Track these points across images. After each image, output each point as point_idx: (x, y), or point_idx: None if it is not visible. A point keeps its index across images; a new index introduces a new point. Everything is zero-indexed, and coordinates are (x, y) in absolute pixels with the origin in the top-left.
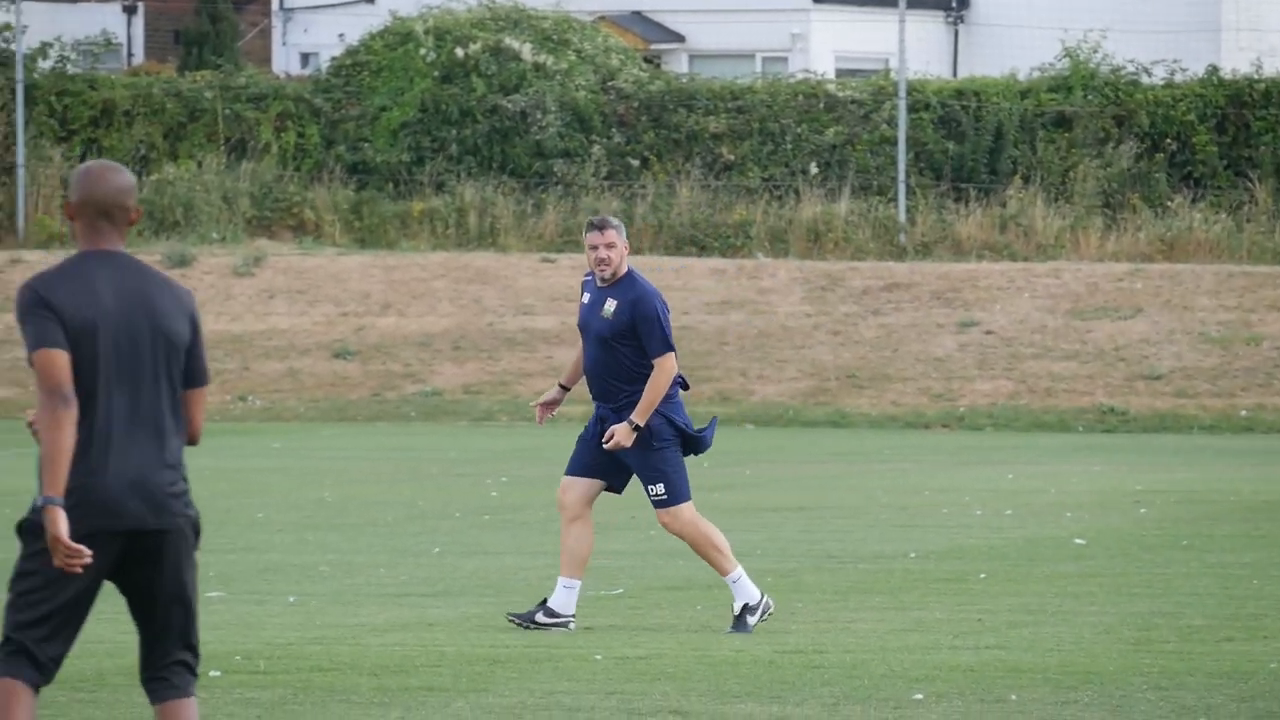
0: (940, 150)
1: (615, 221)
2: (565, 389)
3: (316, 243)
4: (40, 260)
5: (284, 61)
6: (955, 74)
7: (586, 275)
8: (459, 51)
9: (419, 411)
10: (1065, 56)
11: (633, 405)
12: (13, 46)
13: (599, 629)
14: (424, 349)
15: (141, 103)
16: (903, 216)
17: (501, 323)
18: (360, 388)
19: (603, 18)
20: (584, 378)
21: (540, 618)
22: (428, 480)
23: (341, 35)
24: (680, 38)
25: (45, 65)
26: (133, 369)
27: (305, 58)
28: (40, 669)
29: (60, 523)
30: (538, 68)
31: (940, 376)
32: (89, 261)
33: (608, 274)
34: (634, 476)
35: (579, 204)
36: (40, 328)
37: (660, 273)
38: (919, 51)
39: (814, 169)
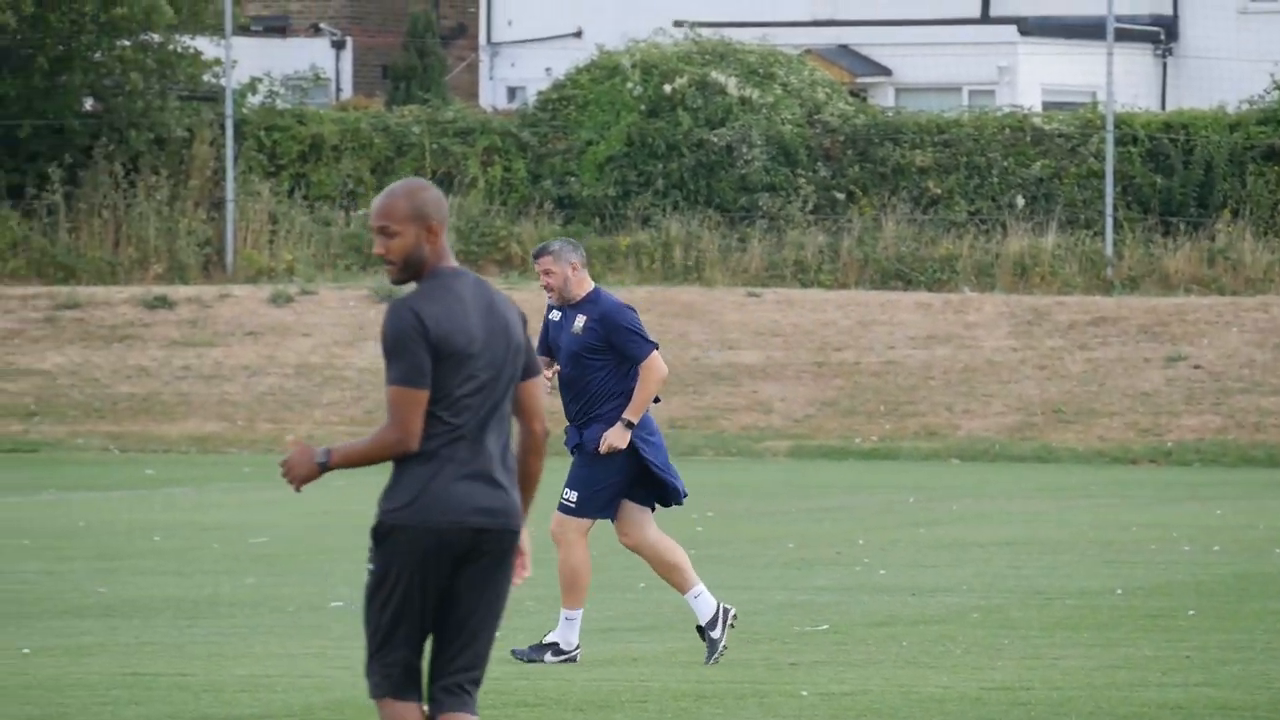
0: (1148, 183)
1: (555, 246)
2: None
3: (523, 277)
4: (248, 294)
5: (491, 96)
6: (1163, 106)
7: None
8: (665, 86)
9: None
10: (1275, 89)
11: (605, 422)
12: (223, 82)
13: (804, 664)
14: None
15: (349, 138)
16: (1110, 250)
17: (706, 357)
18: (566, 422)
19: (809, 51)
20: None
21: (549, 658)
22: None
23: (548, 69)
24: (887, 71)
25: (254, 100)
26: (493, 381)
27: (512, 92)
28: (410, 676)
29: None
30: (744, 101)
31: (1147, 411)
32: (448, 280)
33: (554, 299)
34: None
35: (784, 238)
36: (411, 362)
37: (865, 308)
38: (1126, 84)
39: (1020, 202)
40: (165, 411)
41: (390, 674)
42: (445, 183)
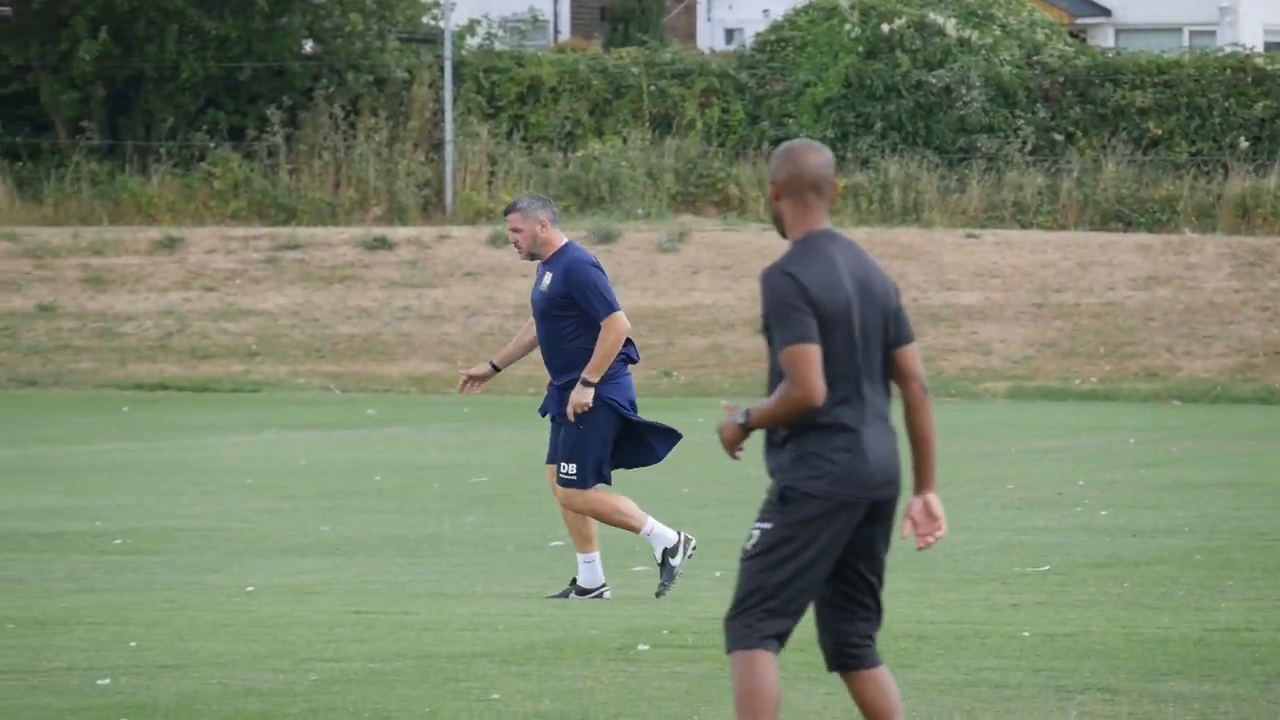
0: None
1: (523, 203)
2: (495, 368)
3: (740, 218)
4: (467, 235)
5: (708, 38)
6: None
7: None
8: (884, 27)
9: None
10: None
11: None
12: (441, 24)
13: (1025, 605)
14: None
15: (568, 79)
16: None
17: (925, 298)
18: None
19: None
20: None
21: (573, 596)
22: None
23: (766, 11)
24: (1107, 12)
25: (473, 43)
26: (870, 347)
27: (730, 34)
28: (781, 639)
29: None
30: (962, 43)
31: None
32: (822, 242)
33: (522, 255)
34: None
35: (1003, 179)
36: (798, 322)
37: (1084, 249)
38: None
39: (1243, 143)
40: (385, 352)
41: (766, 629)
42: (663, 124)
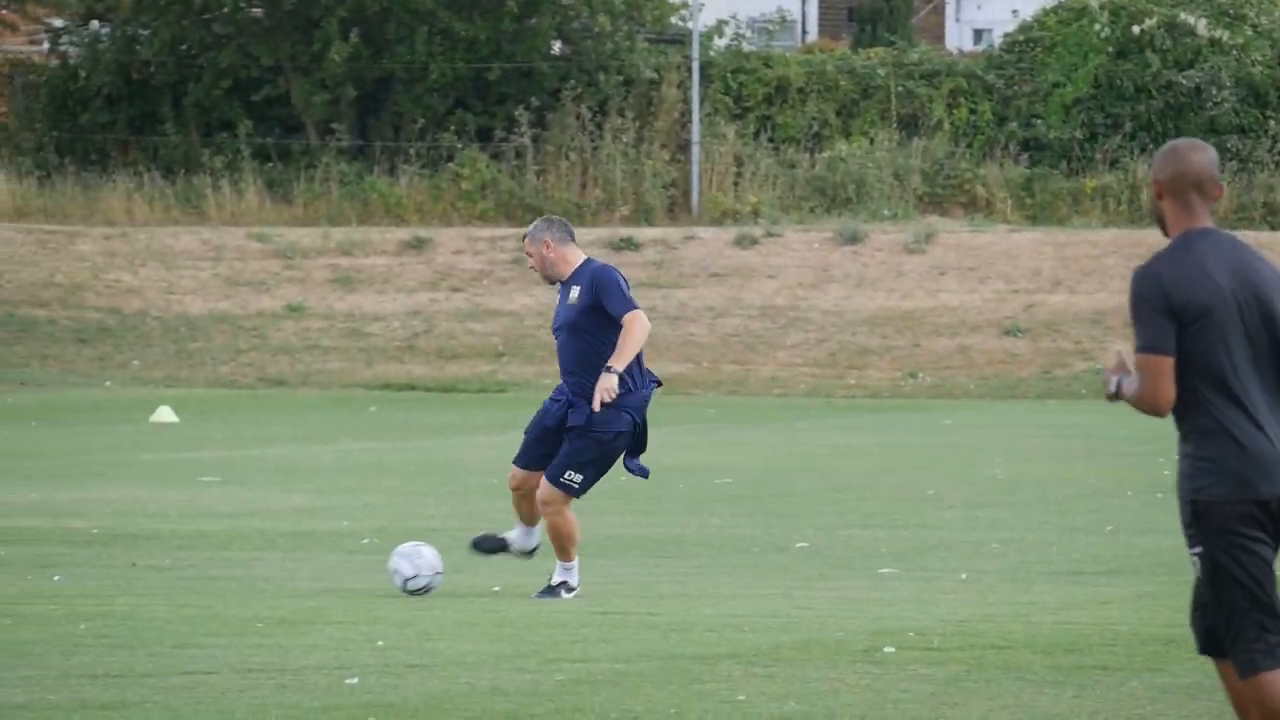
0: None
1: (531, 229)
2: None
3: (987, 219)
4: (713, 236)
5: (956, 38)
6: None
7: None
8: (1134, 27)
9: (1089, 389)
10: None
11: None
12: (690, 24)
13: None
14: (1095, 326)
15: (815, 80)
16: None
17: None
18: (1030, 364)
19: None
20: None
21: (564, 594)
22: (1098, 458)
23: (1015, 11)
24: None
25: (720, 43)
26: (1257, 342)
27: (978, 34)
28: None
29: None
30: (1213, 43)
31: None
32: (1195, 241)
33: (544, 278)
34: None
35: (1254, 180)
36: (1153, 328)
37: None
38: None
39: None
40: None
41: (1256, 649)
42: (910, 125)
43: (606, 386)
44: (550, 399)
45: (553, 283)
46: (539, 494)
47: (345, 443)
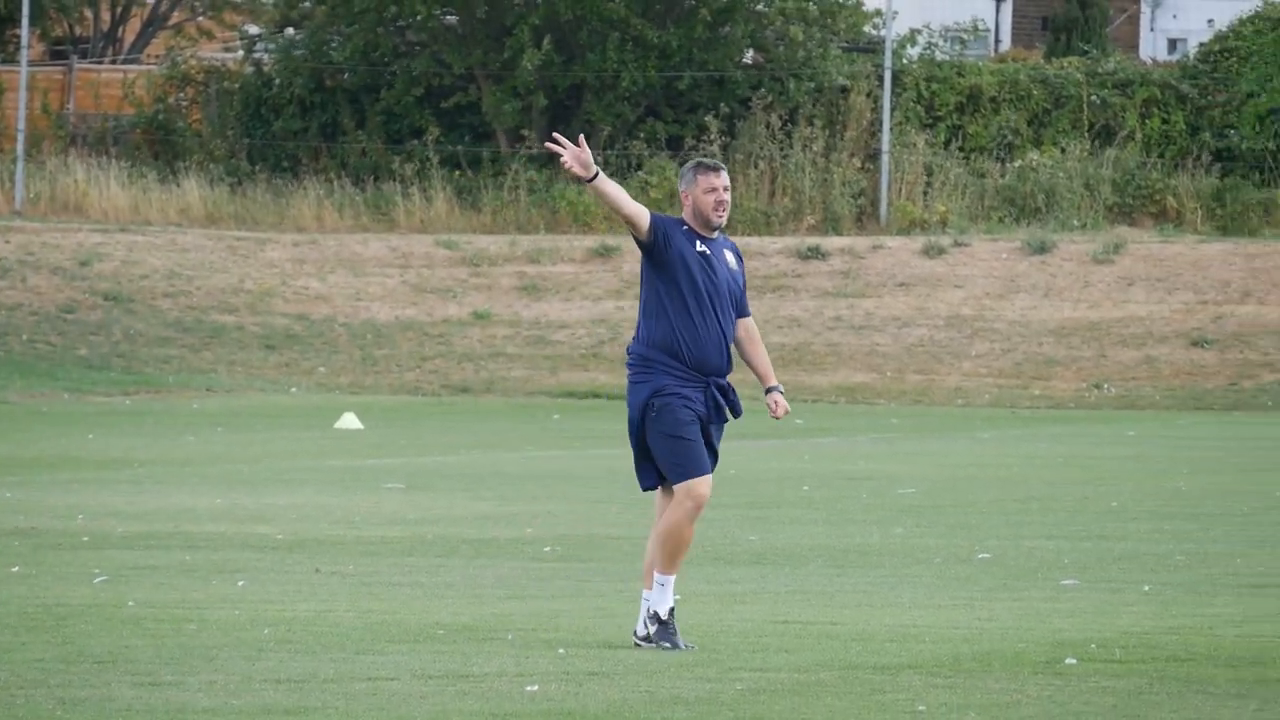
0: None
1: (719, 161)
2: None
3: (1177, 230)
4: (901, 246)
5: (1151, 47)
6: None
7: (675, 221)
8: None
9: (1276, 401)
10: None
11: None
12: (883, 33)
13: None
14: None
15: (1008, 89)
16: None
17: None
18: (1217, 376)
19: None
20: (687, 349)
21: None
22: None
23: (1210, 21)
24: None
25: (913, 52)
26: None
27: (1173, 43)
28: None
29: None
30: None
31: None
32: None
33: (724, 220)
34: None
35: None
36: None
37: None
38: None
39: None
40: (815, 361)
41: None
42: (1103, 134)
43: (786, 406)
44: (682, 398)
45: (711, 231)
46: (707, 492)
47: (529, 450)
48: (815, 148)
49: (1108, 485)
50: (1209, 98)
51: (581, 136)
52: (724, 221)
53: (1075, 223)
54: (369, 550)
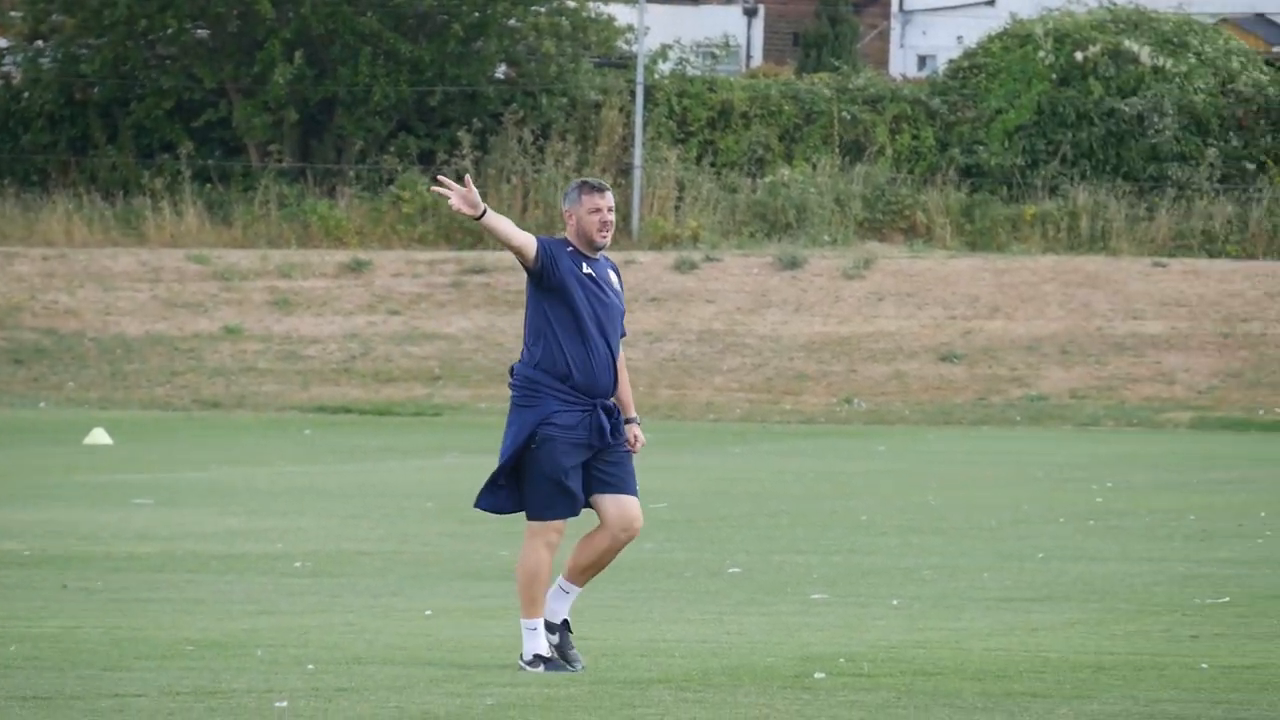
0: None
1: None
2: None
3: (927, 245)
4: (653, 261)
5: (901, 64)
6: None
7: (560, 242)
8: (1077, 54)
9: (1024, 415)
10: None
11: (613, 408)
12: (635, 48)
13: (1205, 637)
14: (1031, 353)
15: (759, 105)
16: None
17: (1110, 327)
18: (966, 391)
19: (1225, 20)
20: (577, 371)
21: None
22: (1032, 485)
23: (960, 37)
24: None
25: (665, 67)
26: None
27: (922, 60)
28: None
29: None
30: (1156, 70)
31: None
32: None
33: (608, 241)
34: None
35: (1192, 208)
36: None
37: (1274, 278)
38: None
39: None
40: None
41: None
42: (853, 150)
43: (643, 440)
44: (566, 430)
45: (594, 251)
46: (638, 521)
47: (280, 465)
48: (567, 162)
49: (857, 500)
50: (958, 114)
51: (467, 176)
52: (608, 242)
53: (826, 238)
54: (117, 566)
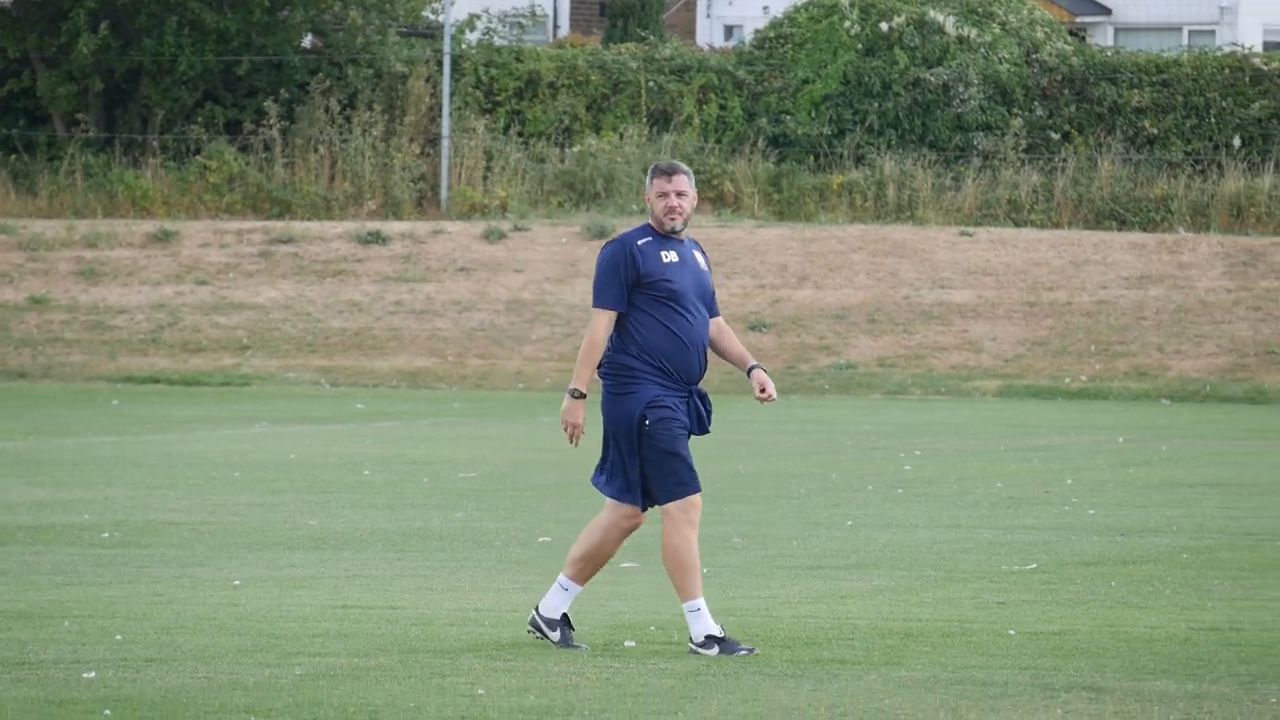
0: None
1: (685, 168)
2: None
3: (735, 215)
4: (461, 230)
5: (708, 34)
6: None
7: (636, 235)
8: (883, 24)
9: (832, 384)
10: None
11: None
12: (441, 18)
13: (1012, 603)
14: (839, 322)
15: (566, 75)
16: None
17: (917, 296)
18: (774, 359)
19: None
20: (670, 358)
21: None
22: (841, 453)
23: (766, 8)
24: (1107, 10)
25: (472, 37)
26: None
27: (729, 30)
28: None
29: None
30: (961, 40)
31: None
32: None
33: (679, 224)
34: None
35: (998, 177)
36: None
37: (1078, 247)
38: None
39: (1238, 143)
40: (376, 346)
41: None
42: (660, 121)
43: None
44: (673, 410)
45: (671, 236)
46: (699, 510)
47: (87, 436)
48: (375, 132)
49: None
50: (765, 84)
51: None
52: (678, 225)
53: (634, 208)
54: None
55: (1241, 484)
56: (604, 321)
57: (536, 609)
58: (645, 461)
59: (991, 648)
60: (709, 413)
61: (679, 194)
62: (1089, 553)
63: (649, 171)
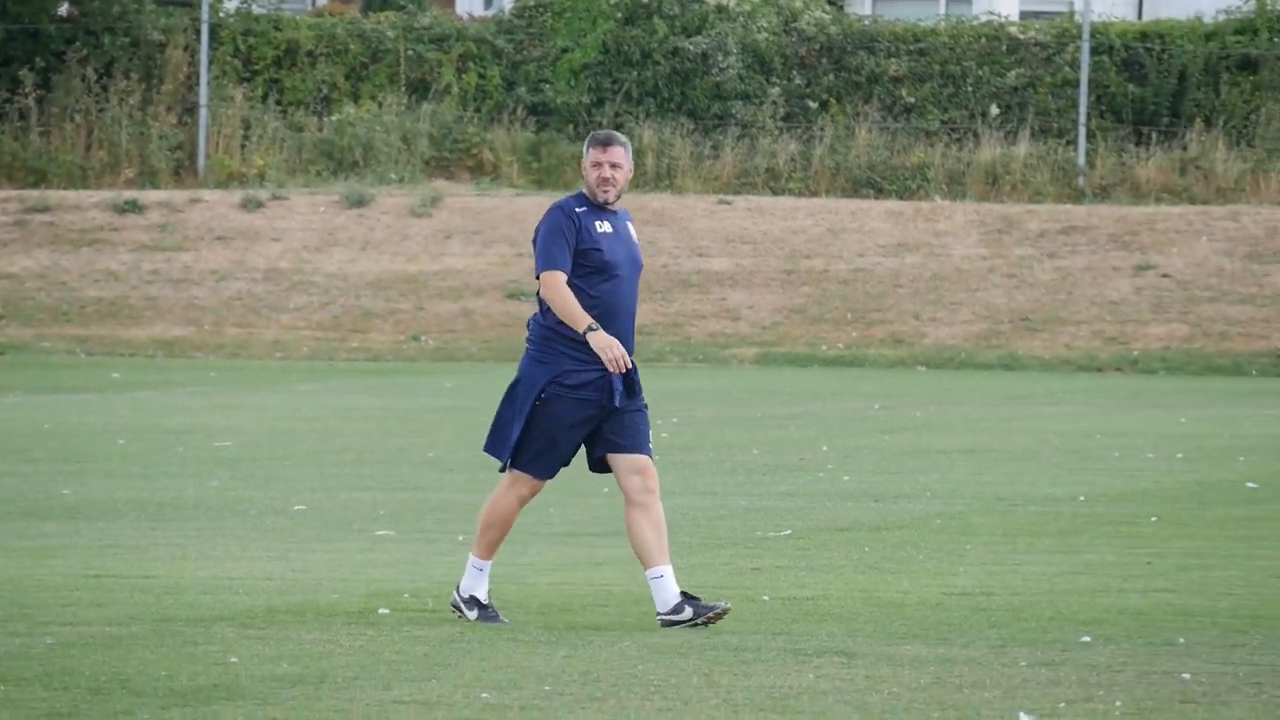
0: (1122, 93)
1: (622, 139)
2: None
3: (494, 183)
4: (219, 199)
5: (467, 3)
6: (1140, 16)
7: (573, 202)
8: None
9: None
10: None
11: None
12: None
13: (766, 569)
14: None
15: (324, 43)
16: (1082, 159)
17: (676, 264)
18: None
19: None
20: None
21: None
22: None
23: None
24: None
25: (230, 6)
26: None
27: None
28: None
29: None
30: (720, 9)
31: (1115, 320)
32: None
33: (612, 196)
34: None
35: (756, 146)
36: None
37: (835, 215)
38: None
39: (994, 111)
40: (133, 315)
41: None
42: (420, 89)
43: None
44: (576, 391)
45: (604, 208)
46: (653, 478)
47: None
48: (132, 101)
49: (425, 437)
50: (524, 53)
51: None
52: (610, 198)
53: (393, 176)
54: None
55: (995, 450)
56: (558, 280)
57: (457, 589)
58: (526, 426)
59: (745, 613)
60: (633, 382)
61: (613, 165)
62: (843, 518)
63: (586, 140)
